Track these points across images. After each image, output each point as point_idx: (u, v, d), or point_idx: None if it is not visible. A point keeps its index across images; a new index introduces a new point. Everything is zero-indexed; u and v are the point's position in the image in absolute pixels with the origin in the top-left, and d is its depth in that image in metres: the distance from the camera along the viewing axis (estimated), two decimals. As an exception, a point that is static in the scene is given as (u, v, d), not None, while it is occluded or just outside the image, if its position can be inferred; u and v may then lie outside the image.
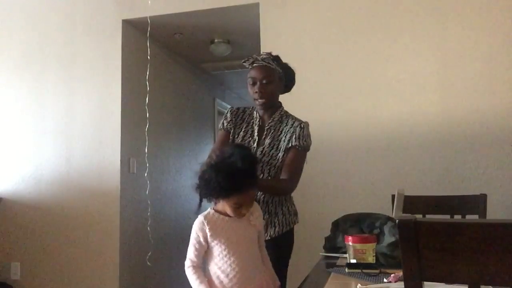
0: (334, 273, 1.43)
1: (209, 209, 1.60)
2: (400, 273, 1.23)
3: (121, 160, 3.25)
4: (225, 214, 1.55)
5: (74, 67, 3.42)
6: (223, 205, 1.54)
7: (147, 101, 3.23)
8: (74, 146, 3.34)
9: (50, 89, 3.44)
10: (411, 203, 2.12)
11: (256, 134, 1.98)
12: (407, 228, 0.78)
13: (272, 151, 1.94)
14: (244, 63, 2.04)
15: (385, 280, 1.30)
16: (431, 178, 2.70)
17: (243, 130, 2.01)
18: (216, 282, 1.54)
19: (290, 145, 1.92)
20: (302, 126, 1.96)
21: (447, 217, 2.11)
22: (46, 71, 3.47)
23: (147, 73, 3.31)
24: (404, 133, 2.78)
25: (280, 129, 1.99)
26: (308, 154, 2.91)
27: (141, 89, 3.50)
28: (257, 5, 3.11)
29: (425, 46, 2.80)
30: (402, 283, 0.81)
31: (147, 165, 3.37)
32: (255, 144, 1.96)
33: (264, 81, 1.96)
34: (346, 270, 1.43)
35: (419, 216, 0.82)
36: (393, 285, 1.23)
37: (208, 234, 1.53)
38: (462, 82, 2.72)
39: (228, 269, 1.52)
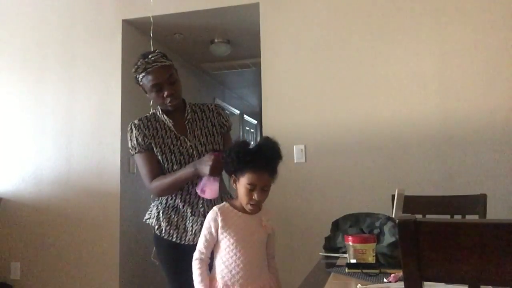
0: (334, 273, 1.43)
1: (224, 202, 1.62)
2: (400, 273, 1.23)
3: (121, 160, 3.25)
4: (239, 209, 1.57)
5: (74, 67, 3.42)
6: (238, 188, 1.56)
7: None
8: (74, 146, 3.34)
9: (50, 89, 3.45)
10: (411, 203, 2.12)
11: (180, 135, 1.88)
12: (407, 228, 0.78)
13: (209, 138, 1.90)
14: (135, 72, 1.84)
15: (385, 280, 1.30)
16: (431, 178, 2.70)
17: (165, 138, 1.87)
18: (218, 277, 1.54)
19: (224, 128, 1.97)
20: (220, 107, 2.02)
21: (447, 217, 2.11)
22: (46, 71, 3.47)
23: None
24: (404, 133, 2.78)
25: (201, 118, 1.94)
26: (309, 153, 2.94)
27: (141, 89, 3.49)
28: (257, 5, 3.12)
29: (425, 46, 2.80)
30: (402, 283, 0.81)
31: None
32: (188, 143, 1.87)
33: (169, 81, 1.82)
34: (346, 270, 1.43)
35: (419, 216, 0.82)
36: (393, 285, 1.23)
37: (220, 225, 1.54)
38: (462, 82, 2.72)
39: (233, 265, 1.52)
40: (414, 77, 2.80)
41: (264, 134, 3.01)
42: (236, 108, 6.53)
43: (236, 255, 1.52)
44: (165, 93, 1.82)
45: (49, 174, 3.36)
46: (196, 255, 1.56)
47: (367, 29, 2.91)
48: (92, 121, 3.33)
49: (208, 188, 1.74)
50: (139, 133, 1.86)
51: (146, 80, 1.82)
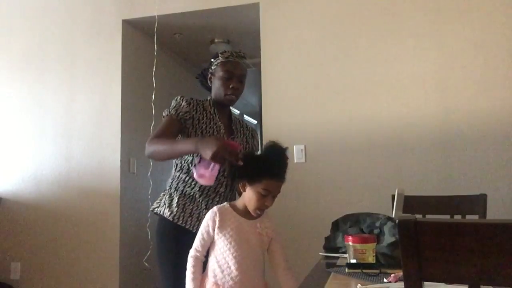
0: (334, 273, 1.43)
1: (225, 203, 1.62)
2: (400, 273, 1.23)
3: (121, 160, 3.25)
4: (239, 212, 1.57)
5: (74, 67, 3.42)
6: (248, 193, 1.55)
7: (153, 98, 3.24)
8: (74, 146, 3.34)
9: (50, 89, 3.45)
10: (411, 203, 2.12)
11: (222, 131, 1.90)
12: (407, 228, 0.78)
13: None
14: (221, 54, 1.90)
15: (385, 280, 1.29)
16: (431, 178, 2.70)
17: (206, 123, 1.88)
18: (210, 275, 1.55)
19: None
20: (255, 131, 2.10)
21: (447, 217, 2.11)
22: (46, 71, 3.47)
23: (154, 69, 3.32)
24: (404, 133, 2.78)
25: (243, 132, 2.01)
26: (309, 153, 2.93)
27: (142, 89, 3.50)
28: (257, 5, 3.12)
29: (425, 46, 2.80)
30: (402, 283, 0.81)
31: (151, 163, 3.37)
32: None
33: (241, 79, 1.91)
34: (346, 270, 1.43)
35: (419, 216, 0.82)
36: (393, 285, 1.23)
37: (217, 225, 1.54)
38: (462, 82, 2.72)
39: (225, 265, 1.53)
40: (414, 77, 2.80)
41: (264, 134, 3.01)
42: (236, 108, 6.52)
43: (229, 257, 1.53)
44: (232, 85, 1.87)
45: (49, 174, 3.36)
46: (191, 252, 1.57)
47: (367, 29, 2.91)
48: (92, 121, 3.34)
49: (207, 174, 1.65)
50: (183, 105, 1.86)
51: (223, 66, 1.88)
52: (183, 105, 1.85)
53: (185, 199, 1.85)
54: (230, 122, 1.99)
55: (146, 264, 3.10)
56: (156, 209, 1.91)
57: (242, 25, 3.54)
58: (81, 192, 3.29)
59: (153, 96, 3.24)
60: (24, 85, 3.50)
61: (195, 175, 1.70)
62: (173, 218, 1.82)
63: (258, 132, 7.81)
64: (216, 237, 1.55)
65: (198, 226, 1.76)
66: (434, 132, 2.73)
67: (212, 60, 1.93)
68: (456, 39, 2.76)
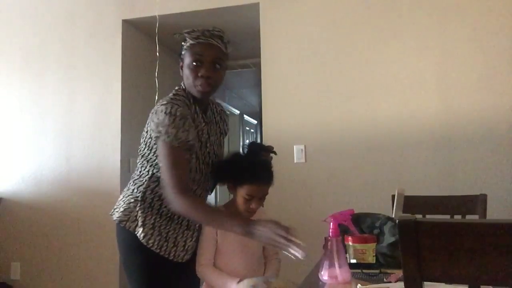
0: (334, 273, 1.43)
1: (220, 206, 1.63)
2: (400, 273, 1.23)
3: (121, 160, 3.25)
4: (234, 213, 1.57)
5: (74, 67, 3.42)
6: (236, 197, 1.55)
7: (156, 98, 3.24)
8: (74, 146, 3.34)
9: (50, 89, 3.45)
10: (411, 203, 2.12)
11: (205, 137, 1.57)
12: (407, 228, 0.78)
13: (219, 149, 1.66)
14: (188, 34, 1.52)
15: (385, 280, 1.29)
16: (431, 178, 2.70)
17: (198, 136, 1.54)
18: None
19: (224, 136, 1.73)
20: (226, 112, 1.76)
21: (447, 217, 2.11)
22: (46, 71, 3.47)
23: (156, 69, 3.32)
24: (404, 133, 2.78)
25: (215, 120, 1.67)
26: (309, 154, 2.94)
27: (142, 89, 3.50)
28: (257, 5, 3.12)
29: (425, 46, 2.80)
30: (402, 283, 0.81)
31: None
32: (207, 147, 1.58)
33: (212, 64, 1.51)
34: (346, 270, 1.43)
35: (419, 216, 0.82)
36: (393, 285, 1.23)
37: (219, 230, 1.54)
38: (462, 82, 2.72)
39: (231, 268, 1.54)
40: (414, 77, 2.80)
41: (264, 134, 3.01)
42: (236, 108, 6.52)
43: (237, 257, 1.54)
44: (202, 73, 1.50)
45: (49, 174, 3.36)
46: (201, 262, 1.54)
47: (367, 28, 2.91)
48: (92, 121, 3.33)
49: (338, 272, 1.29)
50: (190, 128, 1.46)
51: (191, 50, 1.52)
52: (187, 128, 1.44)
53: (161, 220, 1.56)
54: (206, 112, 1.63)
55: None
56: (124, 223, 1.63)
57: (242, 25, 3.53)
58: (81, 192, 3.29)
59: (156, 96, 3.25)
60: (24, 85, 3.50)
61: (325, 278, 1.32)
62: (147, 241, 1.54)
63: (258, 132, 7.75)
64: (219, 241, 1.55)
65: (176, 252, 1.58)
66: (434, 132, 2.73)
67: (183, 43, 1.55)
68: (457, 38, 2.76)
